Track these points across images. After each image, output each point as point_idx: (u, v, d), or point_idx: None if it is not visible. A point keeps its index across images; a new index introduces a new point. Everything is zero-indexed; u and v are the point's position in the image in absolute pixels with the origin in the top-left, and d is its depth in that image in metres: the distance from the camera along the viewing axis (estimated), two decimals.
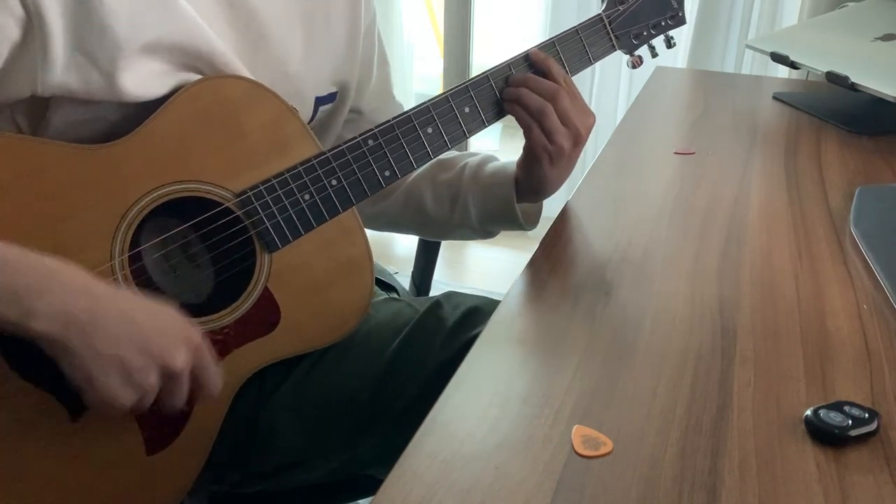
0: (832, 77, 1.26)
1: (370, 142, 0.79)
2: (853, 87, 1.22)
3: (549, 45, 0.88)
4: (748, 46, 1.53)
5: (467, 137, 0.86)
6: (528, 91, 0.84)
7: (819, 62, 1.31)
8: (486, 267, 2.66)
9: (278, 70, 0.82)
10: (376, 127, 0.80)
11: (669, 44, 0.98)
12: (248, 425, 0.84)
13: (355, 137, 0.79)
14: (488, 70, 0.86)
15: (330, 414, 0.84)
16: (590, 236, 0.89)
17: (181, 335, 0.67)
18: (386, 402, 0.83)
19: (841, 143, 1.20)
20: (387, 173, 0.81)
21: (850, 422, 0.56)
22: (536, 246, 0.85)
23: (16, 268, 0.61)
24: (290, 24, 0.82)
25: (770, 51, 1.40)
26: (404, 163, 0.82)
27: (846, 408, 0.58)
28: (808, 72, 1.41)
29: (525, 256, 0.83)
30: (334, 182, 0.78)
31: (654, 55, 0.98)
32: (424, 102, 0.83)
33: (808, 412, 0.58)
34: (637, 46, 0.95)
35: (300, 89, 0.85)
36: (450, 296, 0.89)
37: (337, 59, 0.89)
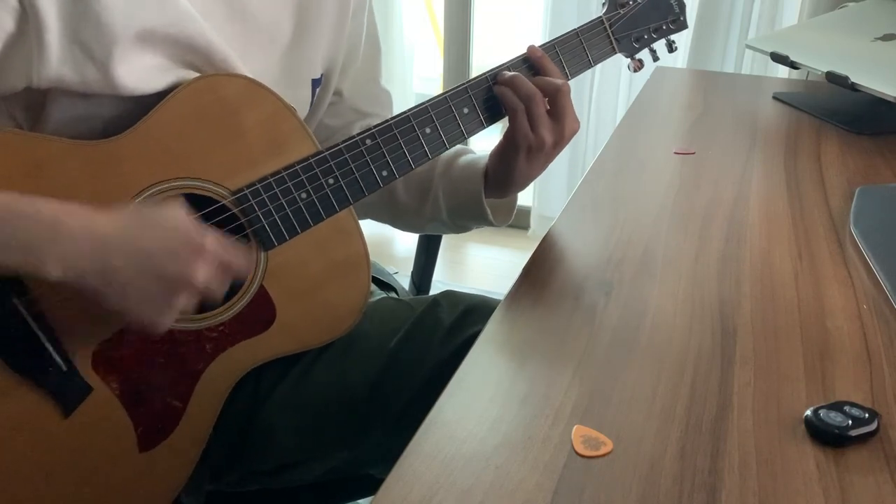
0: (832, 77, 1.26)
1: (368, 141, 0.79)
2: (853, 87, 1.22)
3: (550, 48, 0.88)
4: (748, 46, 1.53)
5: (466, 138, 0.86)
6: (521, 77, 0.83)
7: (819, 62, 1.31)
8: (486, 267, 2.66)
9: (275, 55, 0.82)
10: (374, 127, 0.80)
11: (671, 48, 0.98)
12: (244, 424, 0.84)
13: (353, 137, 0.79)
14: (487, 71, 0.86)
15: (328, 413, 0.84)
16: (590, 236, 0.89)
17: (192, 249, 0.66)
18: (384, 402, 0.83)
19: (841, 143, 1.20)
20: (384, 173, 0.81)
21: (850, 422, 0.56)
22: (536, 246, 0.85)
23: (21, 217, 0.62)
24: (284, 7, 0.82)
25: (770, 51, 1.40)
26: (402, 162, 0.81)
27: (846, 408, 0.58)
28: (808, 72, 1.41)
29: (525, 256, 0.83)
30: (331, 181, 0.78)
31: (655, 59, 0.98)
32: (423, 103, 0.82)
33: (808, 412, 0.58)
34: (638, 50, 0.95)
35: (298, 72, 0.85)
36: (448, 295, 0.89)
37: (327, 40, 0.89)
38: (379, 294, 0.99)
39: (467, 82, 0.84)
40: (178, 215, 0.67)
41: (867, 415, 0.57)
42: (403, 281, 1.18)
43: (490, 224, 0.93)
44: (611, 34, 0.92)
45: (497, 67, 0.86)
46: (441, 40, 2.77)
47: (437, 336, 0.84)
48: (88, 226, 0.63)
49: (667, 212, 0.94)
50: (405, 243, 2.65)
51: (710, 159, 1.12)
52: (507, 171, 0.88)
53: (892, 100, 1.16)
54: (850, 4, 1.50)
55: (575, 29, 0.90)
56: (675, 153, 1.14)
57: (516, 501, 0.51)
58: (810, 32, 1.50)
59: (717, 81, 1.63)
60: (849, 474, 0.53)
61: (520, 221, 2.80)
